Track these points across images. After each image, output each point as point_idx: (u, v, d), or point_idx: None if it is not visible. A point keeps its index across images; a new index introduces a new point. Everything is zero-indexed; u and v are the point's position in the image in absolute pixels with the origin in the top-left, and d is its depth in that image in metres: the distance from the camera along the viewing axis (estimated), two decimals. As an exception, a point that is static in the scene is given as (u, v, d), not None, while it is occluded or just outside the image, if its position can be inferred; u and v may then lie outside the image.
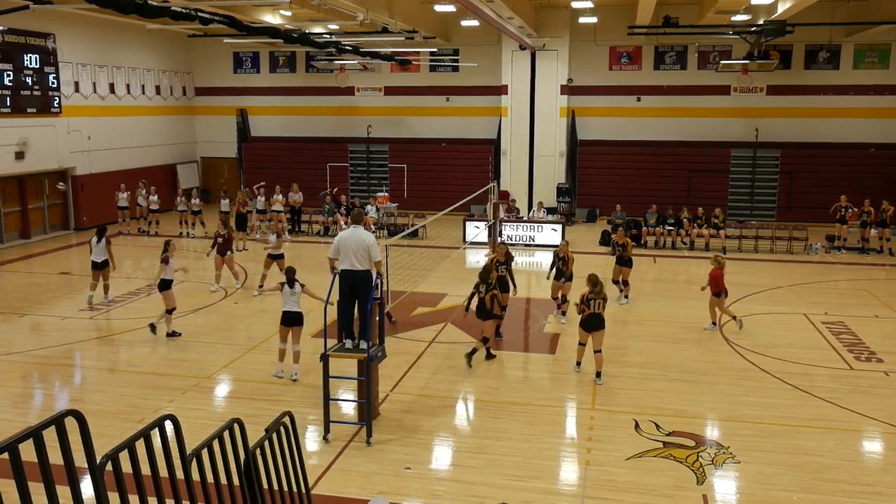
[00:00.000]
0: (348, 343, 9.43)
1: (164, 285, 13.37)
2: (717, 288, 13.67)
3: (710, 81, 26.46)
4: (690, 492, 7.97)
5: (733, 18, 21.50)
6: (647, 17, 21.61)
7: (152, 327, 13.47)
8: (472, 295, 12.11)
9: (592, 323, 11.26)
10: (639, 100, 27.32)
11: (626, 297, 15.95)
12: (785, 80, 26.07)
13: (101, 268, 15.48)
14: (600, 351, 11.30)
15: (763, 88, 26.36)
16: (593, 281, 11.22)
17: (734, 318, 14.01)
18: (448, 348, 12.80)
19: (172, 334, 13.31)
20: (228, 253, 16.53)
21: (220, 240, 16.38)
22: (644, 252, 21.46)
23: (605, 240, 22.45)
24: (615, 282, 15.95)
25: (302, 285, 11.40)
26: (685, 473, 8.36)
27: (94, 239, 15.44)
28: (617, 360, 12.18)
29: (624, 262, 15.84)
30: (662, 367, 11.89)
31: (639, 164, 26.84)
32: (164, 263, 13.38)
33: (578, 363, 11.73)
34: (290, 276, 11.47)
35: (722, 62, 24.65)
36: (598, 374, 11.25)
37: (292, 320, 11.23)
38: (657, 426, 9.57)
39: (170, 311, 13.38)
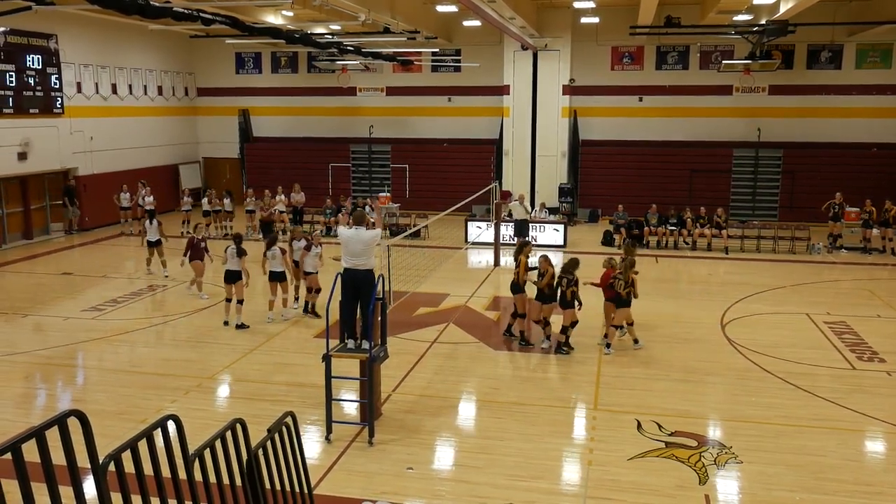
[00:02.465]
0: (350, 343, 9.45)
1: (277, 276, 14.27)
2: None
3: (712, 81, 26.46)
4: (693, 492, 7.97)
5: (735, 18, 21.48)
6: (649, 18, 21.61)
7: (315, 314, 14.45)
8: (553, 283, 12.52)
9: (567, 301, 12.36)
10: (641, 100, 27.31)
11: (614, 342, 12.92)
12: (787, 80, 26.06)
13: (155, 246, 17.92)
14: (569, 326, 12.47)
15: (765, 88, 26.35)
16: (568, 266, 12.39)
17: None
18: (450, 348, 12.80)
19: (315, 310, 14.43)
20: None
21: (203, 245, 15.93)
22: (646, 252, 21.45)
23: (607, 240, 22.47)
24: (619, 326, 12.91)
25: (283, 251, 14.30)
26: (687, 473, 8.36)
27: (147, 221, 18.22)
28: (619, 360, 12.18)
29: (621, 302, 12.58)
30: (665, 367, 11.88)
31: (641, 164, 26.83)
32: (283, 254, 14.34)
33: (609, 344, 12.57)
34: (272, 243, 14.30)
35: (724, 62, 24.64)
36: (564, 344, 12.50)
37: (276, 278, 14.16)
38: (659, 426, 9.56)
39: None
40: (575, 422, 10.05)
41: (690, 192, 25.80)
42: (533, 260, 12.98)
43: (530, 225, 21.74)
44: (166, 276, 17.82)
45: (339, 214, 23.53)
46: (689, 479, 8.22)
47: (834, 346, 13.00)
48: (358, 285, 9.39)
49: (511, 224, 21.86)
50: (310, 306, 14.68)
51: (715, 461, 8.63)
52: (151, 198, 23.92)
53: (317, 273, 14.59)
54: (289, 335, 13.58)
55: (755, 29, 21.40)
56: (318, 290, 14.52)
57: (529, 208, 22.17)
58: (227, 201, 23.76)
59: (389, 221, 23.95)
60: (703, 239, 21.75)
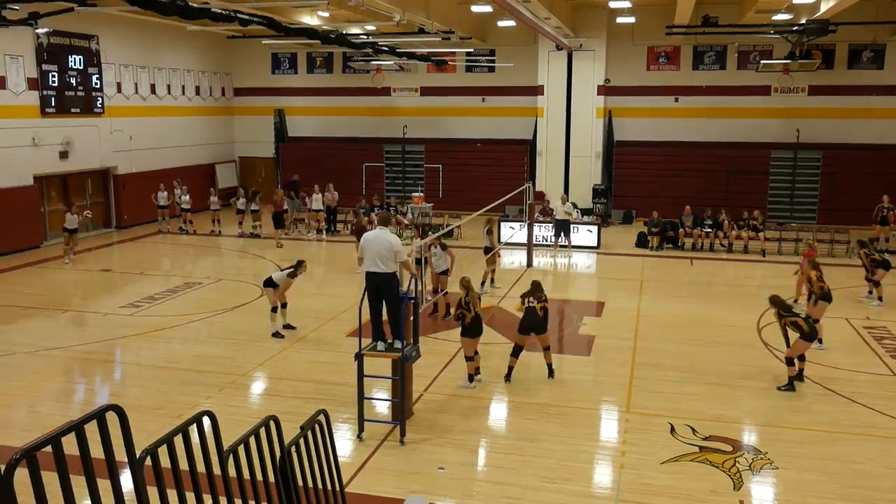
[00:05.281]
0: (380, 345, 9.44)
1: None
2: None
3: (749, 81, 26.07)
4: (727, 497, 7.87)
5: (774, 18, 21.13)
6: (686, 17, 21.36)
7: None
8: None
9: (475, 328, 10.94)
10: (677, 100, 27.02)
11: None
12: (827, 81, 25.59)
13: (72, 234, 19.79)
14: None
15: (805, 88, 25.91)
16: (465, 285, 10.94)
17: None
18: (482, 349, 12.75)
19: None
20: None
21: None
22: (681, 254, 21.26)
23: (641, 241, 22.28)
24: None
25: (444, 246, 14.81)
26: (722, 478, 8.25)
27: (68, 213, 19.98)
28: (653, 364, 12.06)
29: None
30: (699, 371, 11.74)
31: (676, 165, 26.54)
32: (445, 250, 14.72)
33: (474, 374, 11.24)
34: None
35: (762, 62, 24.24)
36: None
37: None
38: (693, 430, 9.46)
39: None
40: (607, 424, 9.98)
41: (727, 193, 25.46)
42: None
43: (571, 226, 21.68)
44: (66, 263, 19.55)
45: (373, 214, 23.69)
46: (723, 485, 8.11)
47: (874, 352, 12.74)
48: (380, 288, 9.38)
49: (546, 224, 21.90)
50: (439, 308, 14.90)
51: (750, 467, 8.51)
52: (187, 196, 24.26)
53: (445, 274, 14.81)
54: (322, 334, 13.68)
55: (795, 28, 21.04)
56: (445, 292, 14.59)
57: (572, 209, 22.10)
58: (242, 201, 24.01)
59: (423, 221, 24.00)
60: (739, 241, 21.46)
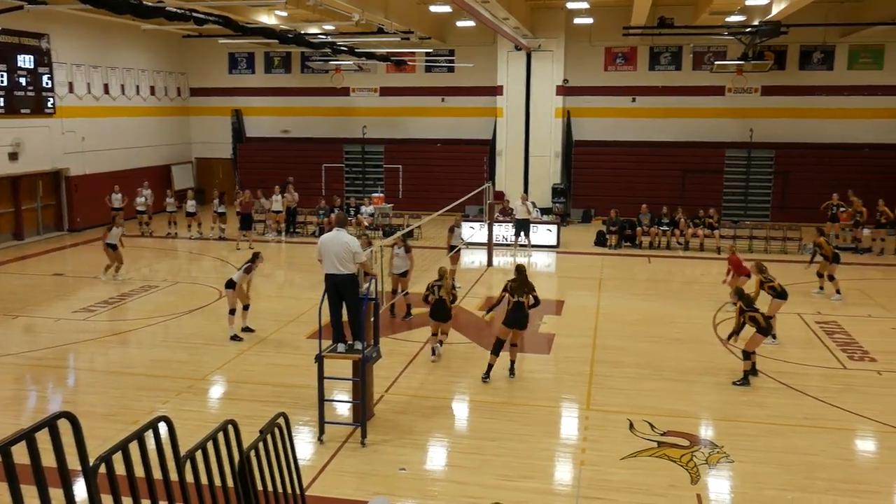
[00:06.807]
0: (341, 347, 9.40)
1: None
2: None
3: (704, 82, 26.52)
4: (684, 491, 8.00)
5: (728, 19, 21.54)
6: (643, 18, 21.66)
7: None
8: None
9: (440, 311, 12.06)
10: (634, 100, 27.36)
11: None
12: (779, 81, 26.14)
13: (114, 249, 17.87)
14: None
15: (758, 89, 26.43)
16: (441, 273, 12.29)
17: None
18: (443, 349, 12.78)
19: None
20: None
21: None
22: (639, 252, 21.54)
23: (599, 240, 22.52)
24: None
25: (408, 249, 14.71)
26: (679, 473, 8.38)
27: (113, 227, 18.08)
28: (612, 361, 12.21)
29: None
30: (657, 367, 11.91)
31: (634, 165, 26.89)
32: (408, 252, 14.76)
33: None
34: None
35: (716, 63, 24.71)
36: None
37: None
38: (651, 426, 9.59)
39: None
40: (567, 422, 10.07)
41: (683, 192, 25.87)
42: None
43: (531, 225, 21.82)
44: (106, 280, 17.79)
45: (332, 215, 23.56)
46: (680, 479, 8.25)
47: (825, 346, 13.06)
48: (340, 289, 9.33)
49: (507, 224, 22.01)
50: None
51: (707, 460, 8.66)
52: (144, 199, 23.81)
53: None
54: (281, 336, 13.57)
55: (748, 30, 21.49)
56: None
57: (531, 208, 22.27)
58: (192, 203, 23.65)
59: (382, 222, 23.95)
60: (695, 239, 21.82)
